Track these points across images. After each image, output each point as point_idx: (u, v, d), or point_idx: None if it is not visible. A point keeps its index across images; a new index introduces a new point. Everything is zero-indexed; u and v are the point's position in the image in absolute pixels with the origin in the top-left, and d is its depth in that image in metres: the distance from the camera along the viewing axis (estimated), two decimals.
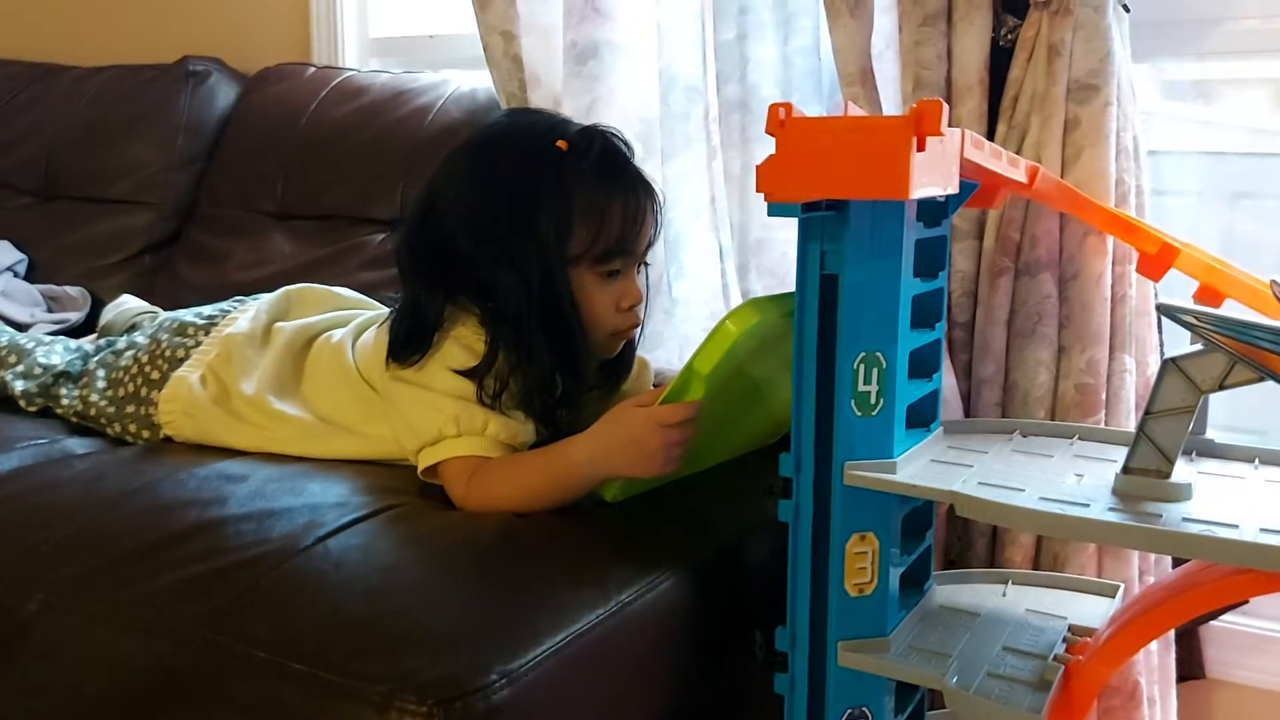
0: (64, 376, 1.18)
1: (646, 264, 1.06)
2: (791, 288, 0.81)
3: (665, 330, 1.43)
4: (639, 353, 1.12)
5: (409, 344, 1.00)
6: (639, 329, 1.07)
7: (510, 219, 0.98)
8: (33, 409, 1.19)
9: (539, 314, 0.97)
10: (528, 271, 0.97)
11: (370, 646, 0.75)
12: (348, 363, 1.07)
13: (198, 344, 1.15)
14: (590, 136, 1.01)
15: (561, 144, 0.99)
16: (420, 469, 0.98)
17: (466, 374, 0.97)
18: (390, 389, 1.01)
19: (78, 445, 1.09)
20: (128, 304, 1.47)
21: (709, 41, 1.32)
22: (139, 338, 1.20)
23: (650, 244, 1.04)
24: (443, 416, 0.96)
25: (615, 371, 1.09)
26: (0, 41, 2.21)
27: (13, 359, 1.23)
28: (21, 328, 1.52)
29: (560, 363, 0.99)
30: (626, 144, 1.04)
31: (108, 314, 1.47)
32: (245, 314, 1.17)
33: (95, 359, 1.19)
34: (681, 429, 0.89)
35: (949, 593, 0.95)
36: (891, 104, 1.21)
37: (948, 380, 1.15)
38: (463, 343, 0.98)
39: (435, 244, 1.00)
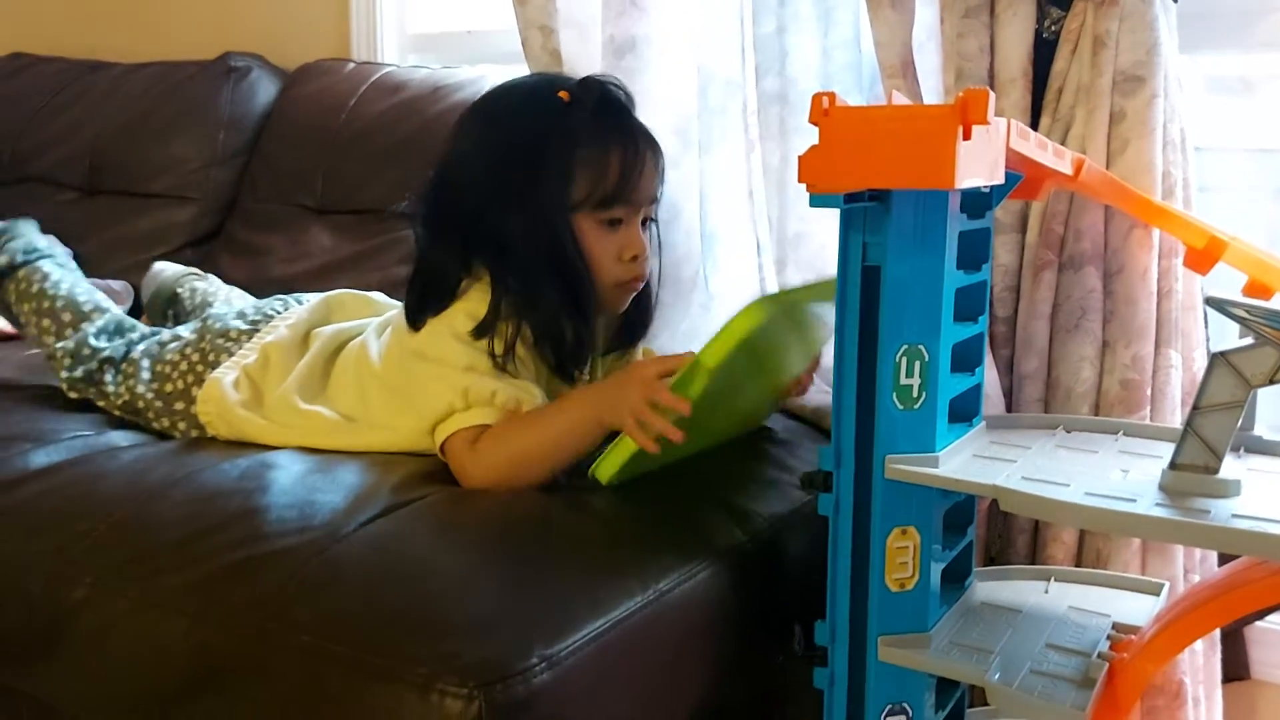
0: (108, 362, 1.19)
1: (653, 219, 1.07)
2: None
3: (702, 324, 1.42)
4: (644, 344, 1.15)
5: (422, 304, 1.02)
6: (653, 292, 1.10)
7: (514, 167, 1.00)
8: (74, 394, 1.20)
9: (543, 257, 0.99)
10: (532, 217, 0.99)
11: (411, 630, 0.75)
12: (370, 358, 1.08)
13: (240, 347, 1.16)
14: (590, 86, 1.03)
15: (563, 94, 1.02)
16: (438, 449, 0.99)
17: (475, 331, 0.98)
18: (408, 368, 1.01)
19: (122, 438, 1.10)
20: (164, 273, 1.49)
21: (748, 34, 1.31)
22: (184, 331, 1.21)
23: (654, 198, 1.06)
24: (452, 392, 0.97)
25: (631, 333, 1.11)
26: (43, 39, 2.25)
27: (67, 316, 1.24)
28: None
29: (566, 306, 1.00)
30: (628, 95, 1.07)
31: (147, 290, 1.49)
32: (286, 321, 1.18)
33: (140, 347, 1.19)
34: (665, 409, 0.91)
35: (990, 589, 0.94)
36: (933, 96, 1.20)
37: (990, 375, 1.13)
38: (473, 314, 0.99)
39: (449, 200, 1.03)
